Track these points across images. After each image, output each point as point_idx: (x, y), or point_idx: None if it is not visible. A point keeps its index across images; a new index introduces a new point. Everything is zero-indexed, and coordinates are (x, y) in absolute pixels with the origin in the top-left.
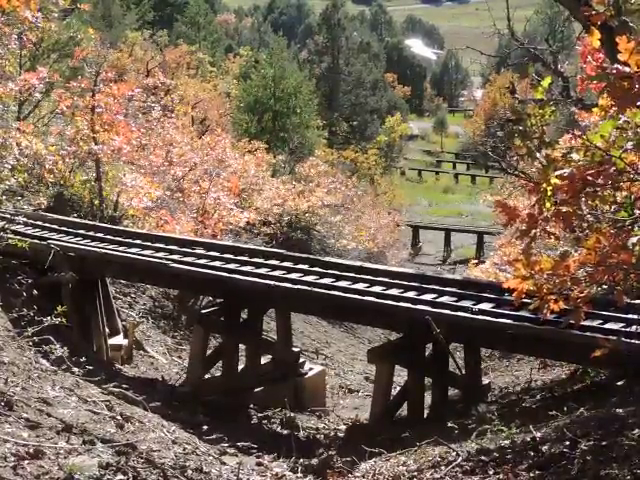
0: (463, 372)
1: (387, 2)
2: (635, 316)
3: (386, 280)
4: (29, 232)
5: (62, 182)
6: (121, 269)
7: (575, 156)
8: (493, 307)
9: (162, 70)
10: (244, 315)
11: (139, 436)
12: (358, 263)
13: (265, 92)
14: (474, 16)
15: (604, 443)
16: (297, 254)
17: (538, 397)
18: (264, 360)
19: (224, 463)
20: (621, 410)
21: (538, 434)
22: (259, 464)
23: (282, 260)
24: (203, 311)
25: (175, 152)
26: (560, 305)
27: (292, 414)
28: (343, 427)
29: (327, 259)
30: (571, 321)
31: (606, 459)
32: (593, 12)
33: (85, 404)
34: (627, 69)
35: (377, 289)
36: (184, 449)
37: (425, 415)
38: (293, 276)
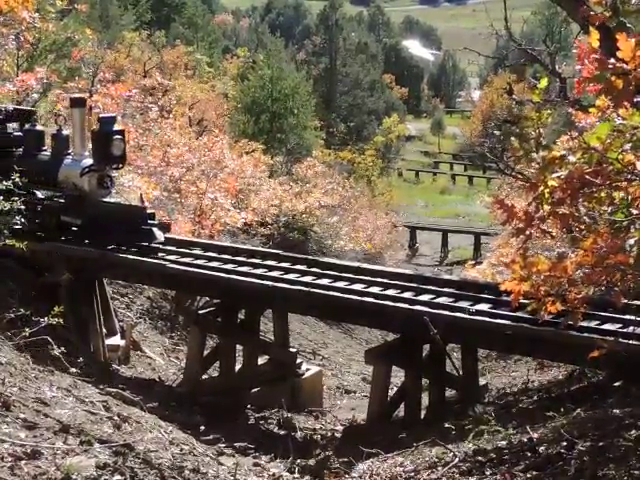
0: (460, 373)
1: (385, 3)
2: (632, 317)
3: (384, 281)
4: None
5: None
6: (118, 270)
7: (572, 158)
8: (490, 308)
9: (160, 71)
10: (241, 316)
11: (136, 437)
12: (356, 264)
13: (262, 93)
14: (471, 17)
15: (601, 444)
16: (295, 254)
17: (535, 398)
18: (261, 361)
19: (221, 464)
20: (618, 411)
21: (535, 435)
22: (256, 465)
23: (280, 261)
24: (200, 312)
25: (172, 153)
26: (558, 307)
27: (289, 415)
28: (340, 428)
29: (325, 260)
30: (569, 322)
31: (603, 460)
32: (591, 13)
33: (82, 404)
34: (624, 65)
35: (375, 290)
36: (181, 450)
37: (422, 416)
38: (291, 277)
